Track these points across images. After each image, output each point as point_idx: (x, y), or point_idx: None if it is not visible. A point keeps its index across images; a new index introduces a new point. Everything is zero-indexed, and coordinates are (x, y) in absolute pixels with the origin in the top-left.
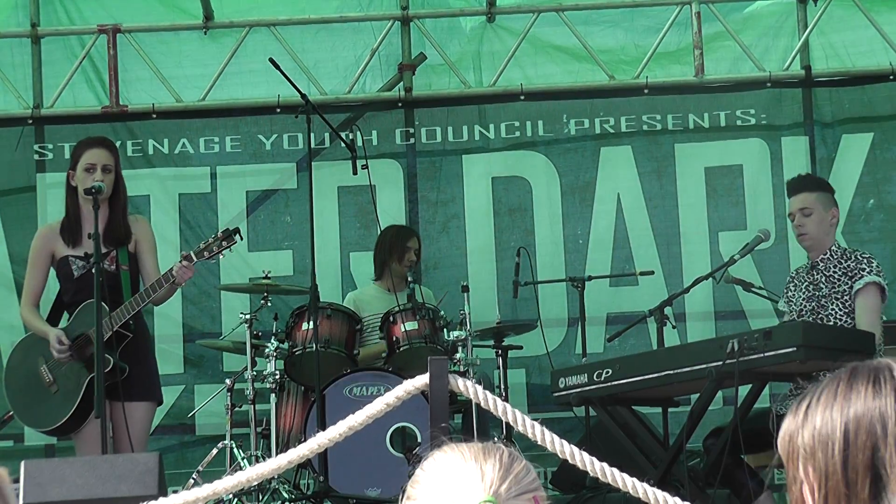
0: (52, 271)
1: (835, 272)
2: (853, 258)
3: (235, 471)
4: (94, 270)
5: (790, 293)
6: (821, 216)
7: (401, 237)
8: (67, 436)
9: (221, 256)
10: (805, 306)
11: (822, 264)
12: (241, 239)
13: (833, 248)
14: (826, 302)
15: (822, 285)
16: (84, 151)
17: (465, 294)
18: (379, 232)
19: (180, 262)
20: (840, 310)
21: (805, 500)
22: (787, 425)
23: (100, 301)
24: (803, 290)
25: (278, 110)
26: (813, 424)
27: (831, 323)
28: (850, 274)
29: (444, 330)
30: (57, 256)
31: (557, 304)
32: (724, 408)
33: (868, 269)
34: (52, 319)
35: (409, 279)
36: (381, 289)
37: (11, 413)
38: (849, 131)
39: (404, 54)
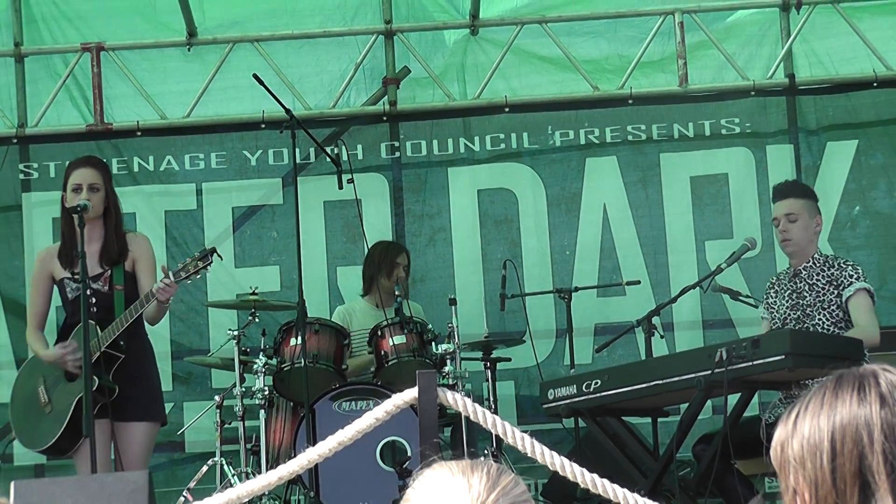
0: (58, 294)
1: (818, 280)
2: (837, 266)
3: (226, 488)
4: (80, 291)
5: (770, 300)
6: (806, 223)
7: (389, 253)
8: (65, 455)
9: (197, 277)
10: (789, 315)
11: (804, 272)
12: (221, 258)
13: (815, 255)
14: (812, 311)
15: (805, 294)
16: (72, 172)
17: (453, 307)
18: (366, 246)
19: (162, 279)
20: (827, 319)
21: None
22: (778, 434)
23: (87, 320)
24: (786, 297)
25: (263, 126)
26: (801, 434)
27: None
28: (835, 283)
29: (433, 343)
30: (56, 279)
31: (545, 316)
32: (713, 417)
33: (856, 276)
34: (62, 341)
35: (397, 293)
36: (370, 304)
37: (13, 436)
38: (833, 138)
39: (388, 68)
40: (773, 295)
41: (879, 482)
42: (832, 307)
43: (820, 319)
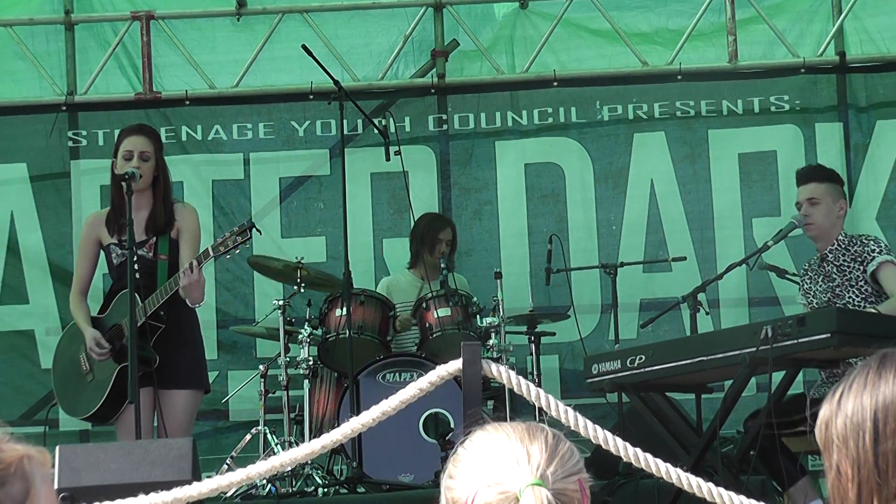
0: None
1: (844, 260)
2: (859, 243)
3: (269, 456)
4: (128, 258)
5: (806, 286)
6: (828, 207)
7: (433, 228)
8: (107, 423)
9: (236, 252)
10: (821, 298)
11: (831, 255)
12: (260, 233)
13: (840, 237)
14: (841, 291)
15: (834, 276)
16: (123, 139)
17: (498, 280)
18: (412, 218)
19: (186, 269)
20: (857, 296)
21: (842, 488)
22: (823, 413)
23: (133, 289)
24: (819, 282)
25: (311, 97)
26: (845, 412)
27: None
28: (859, 259)
29: (477, 316)
30: (103, 244)
31: (590, 291)
32: (757, 394)
33: (877, 250)
34: (105, 307)
35: (443, 266)
36: (415, 277)
37: (55, 401)
38: (883, 117)
39: (437, 41)
40: (808, 281)
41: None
42: (860, 283)
43: (850, 297)
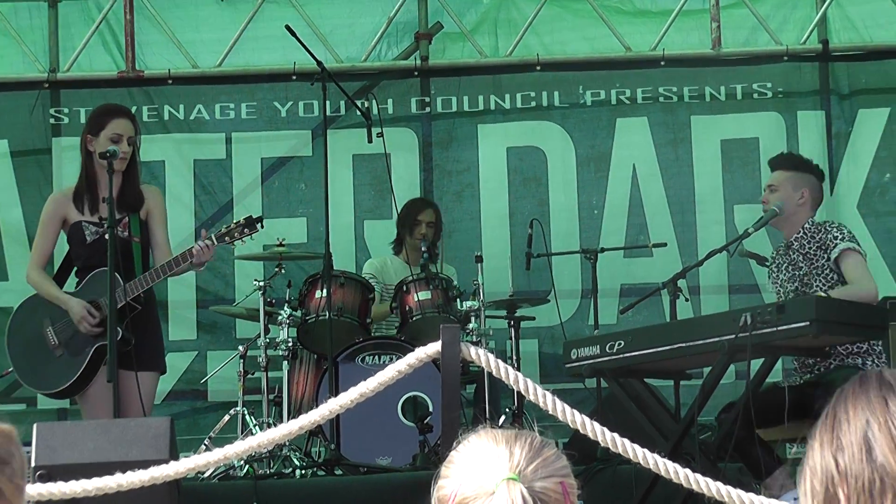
0: (64, 237)
1: (810, 248)
2: (823, 230)
3: (247, 437)
4: (107, 236)
5: (773, 275)
6: (787, 193)
7: (412, 211)
8: (69, 398)
9: (242, 243)
10: (787, 287)
11: (796, 243)
12: (262, 227)
13: (806, 225)
14: (808, 280)
15: (800, 264)
16: (111, 120)
17: (479, 264)
18: (394, 200)
19: (201, 242)
20: (824, 284)
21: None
22: (804, 473)
23: (113, 267)
24: (783, 270)
25: (294, 77)
26: (814, 464)
27: None
28: (823, 247)
29: (458, 300)
30: (70, 222)
31: (571, 276)
32: (736, 381)
33: (840, 237)
34: (58, 283)
35: (423, 249)
36: (404, 262)
37: (11, 370)
38: (865, 105)
39: (421, 23)
40: (775, 270)
41: (884, 449)
42: (825, 271)
43: (818, 286)
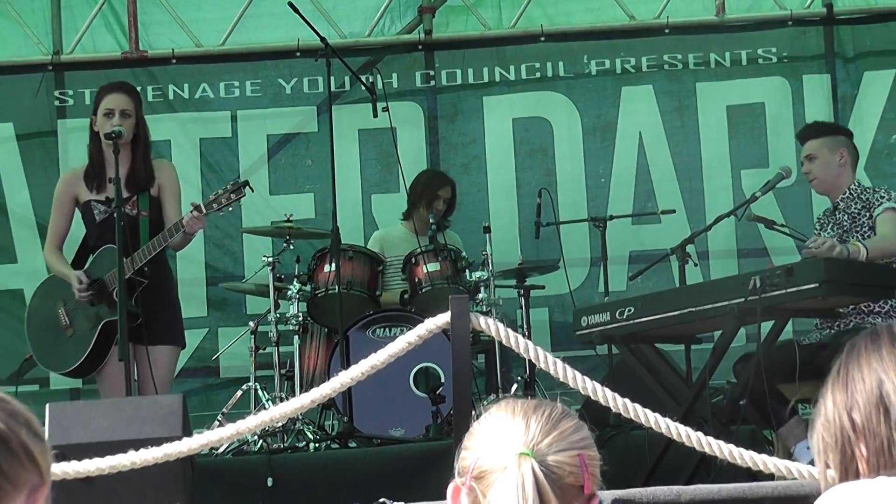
0: (79, 216)
1: (856, 208)
2: (871, 192)
3: (259, 412)
4: (115, 215)
5: (817, 235)
6: (826, 159)
7: (433, 184)
8: (87, 378)
9: (230, 209)
10: None
11: (842, 203)
12: (252, 191)
13: (852, 186)
14: (846, 237)
15: (844, 223)
16: (104, 97)
17: (487, 235)
18: (401, 174)
19: (191, 212)
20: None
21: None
22: (817, 426)
23: (122, 246)
24: (829, 231)
25: (298, 54)
26: (826, 414)
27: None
28: (868, 206)
29: (467, 271)
30: (80, 201)
31: (579, 244)
32: (747, 344)
33: (887, 198)
34: (78, 263)
35: (431, 221)
36: (409, 230)
37: (30, 355)
38: (871, 67)
39: None
40: (819, 229)
41: None
42: (864, 229)
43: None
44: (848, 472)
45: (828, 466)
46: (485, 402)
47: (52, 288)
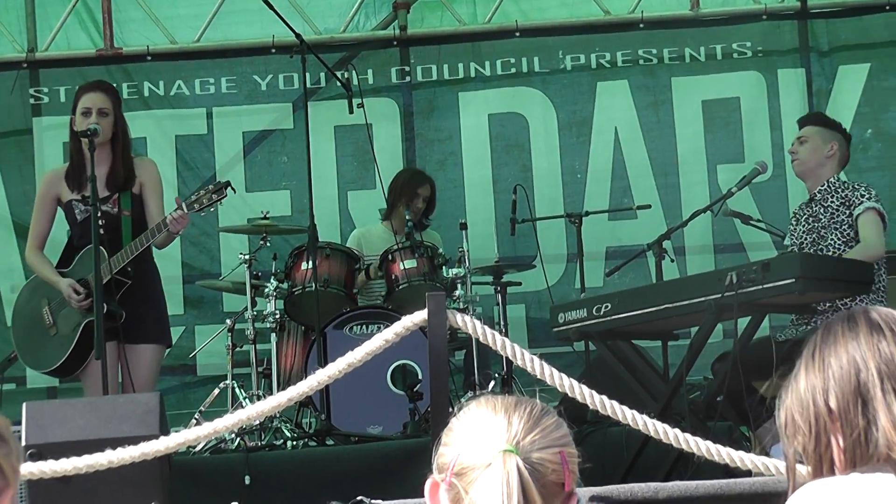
0: (63, 216)
1: (832, 202)
2: (850, 188)
3: (237, 410)
4: (91, 214)
5: (792, 227)
6: (816, 145)
7: (412, 183)
8: (71, 377)
9: (210, 210)
10: (805, 238)
11: (819, 196)
12: (234, 192)
13: (831, 180)
14: (825, 233)
15: (820, 216)
16: (81, 96)
17: (464, 231)
18: (377, 170)
19: (175, 210)
20: (839, 239)
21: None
22: (784, 407)
23: (98, 245)
24: (803, 222)
25: (273, 50)
26: (799, 391)
27: (830, 253)
28: (847, 203)
29: (443, 268)
30: (63, 201)
31: (556, 240)
32: (724, 340)
33: (867, 196)
34: (65, 263)
35: (408, 219)
36: (388, 230)
37: (15, 354)
38: (845, 62)
39: None
40: (794, 223)
41: (875, 397)
42: (844, 227)
43: (832, 239)
44: (822, 460)
45: (800, 456)
46: (462, 400)
47: (37, 287)
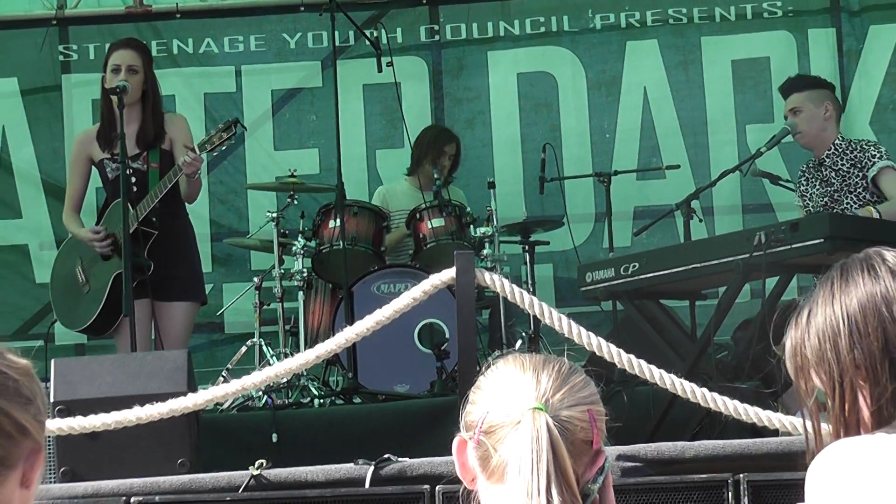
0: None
1: (843, 165)
2: (859, 148)
3: (264, 368)
4: (120, 170)
5: (803, 188)
6: (811, 112)
7: (439, 140)
8: (104, 334)
9: (223, 148)
10: (818, 202)
11: (828, 160)
12: (245, 129)
13: (836, 141)
14: (839, 196)
15: (833, 180)
16: (112, 53)
17: (492, 190)
18: (405, 129)
19: (185, 154)
20: (855, 202)
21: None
22: (792, 338)
23: (126, 201)
24: (817, 186)
25: (302, 8)
26: (816, 327)
27: None
28: (859, 165)
29: (471, 226)
30: (95, 160)
31: (584, 199)
32: (751, 300)
33: (878, 155)
34: (101, 221)
35: (436, 177)
36: (412, 185)
37: (55, 319)
38: (876, 21)
39: None
40: (805, 183)
41: None
42: (858, 189)
43: (848, 203)
44: (849, 418)
45: (809, 394)
46: (489, 359)
47: (73, 247)
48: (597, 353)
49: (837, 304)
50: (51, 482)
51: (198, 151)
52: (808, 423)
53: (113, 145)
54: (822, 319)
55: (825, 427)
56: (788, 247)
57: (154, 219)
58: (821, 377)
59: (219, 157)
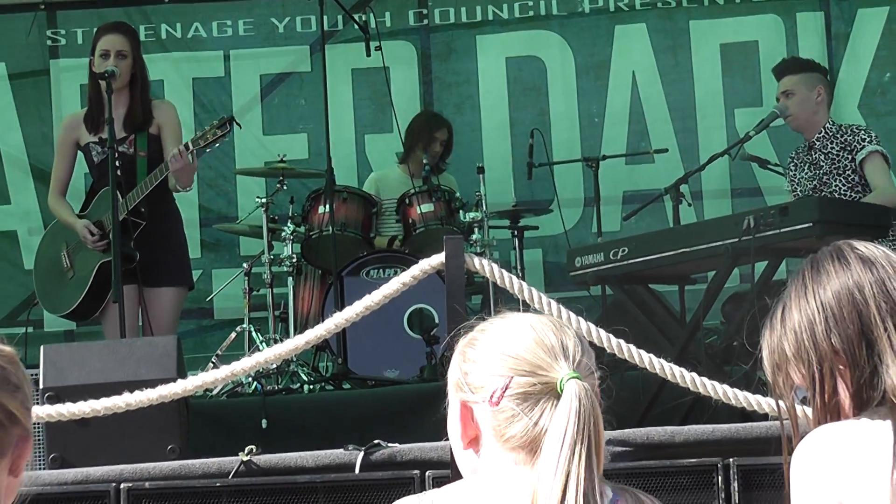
0: (84, 161)
1: (833, 148)
2: (849, 132)
3: (254, 354)
4: (108, 155)
5: (791, 173)
6: (803, 95)
7: (430, 126)
8: (89, 320)
9: (216, 146)
10: (807, 185)
11: (818, 143)
12: (240, 127)
13: (827, 125)
14: (828, 179)
15: (822, 163)
16: (100, 38)
17: (481, 175)
18: (394, 114)
19: (174, 151)
20: (843, 185)
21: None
22: (768, 339)
23: (115, 186)
24: (805, 170)
25: None
26: (792, 322)
27: None
28: (848, 148)
29: (460, 212)
30: (81, 144)
31: (573, 184)
32: (740, 285)
33: (868, 139)
34: (85, 206)
35: (425, 163)
36: (404, 173)
37: (36, 300)
38: (864, 5)
39: None
40: (794, 168)
41: (880, 336)
42: (847, 172)
43: (837, 186)
44: (825, 390)
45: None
46: (472, 318)
47: (58, 232)
48: (587, 339)
49: (811, 295)
50: (40, 469)
51: (191, 147)
52: (785, 410)
53: (100, 128)
54: (797, 312)
55: (806, 415)
56: (777, 231)
57: (142, 209)
58: (800, 369)
59: None
